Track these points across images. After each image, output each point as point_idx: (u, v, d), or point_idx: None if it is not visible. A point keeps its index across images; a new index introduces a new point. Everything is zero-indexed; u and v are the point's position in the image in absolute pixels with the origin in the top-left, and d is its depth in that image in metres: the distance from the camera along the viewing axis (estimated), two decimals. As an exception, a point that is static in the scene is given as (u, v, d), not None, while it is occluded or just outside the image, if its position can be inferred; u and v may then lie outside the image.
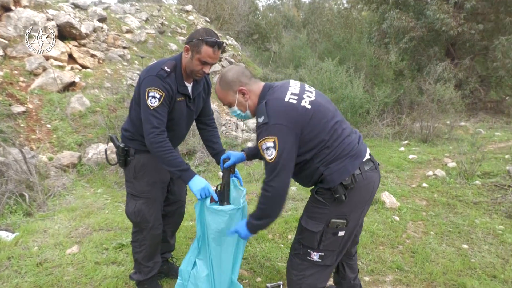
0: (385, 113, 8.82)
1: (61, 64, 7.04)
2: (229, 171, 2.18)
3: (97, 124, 5.96)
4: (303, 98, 1.71)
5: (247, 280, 2.61)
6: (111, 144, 3.21)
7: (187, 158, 5.81)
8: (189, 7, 13.92)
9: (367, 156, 1.82)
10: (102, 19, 9.23)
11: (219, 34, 13.91)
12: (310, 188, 1.91)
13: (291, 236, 3.36)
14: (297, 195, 4.34)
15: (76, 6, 9.03)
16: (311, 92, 1.78)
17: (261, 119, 1.66)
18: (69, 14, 7.78)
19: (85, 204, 4.01)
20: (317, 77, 8.52)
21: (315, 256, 1.80)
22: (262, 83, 1.85)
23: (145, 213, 2.17)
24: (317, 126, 1.67)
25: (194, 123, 2.43)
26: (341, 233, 1.78)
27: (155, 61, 2.13)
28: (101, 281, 2.49)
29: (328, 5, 20.05)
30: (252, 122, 9.08)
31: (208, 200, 2.05)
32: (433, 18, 10.02)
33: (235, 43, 14.47)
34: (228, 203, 2.11)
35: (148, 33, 10.50)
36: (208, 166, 5.59)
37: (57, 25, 7.42)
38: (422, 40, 11.21)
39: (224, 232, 1.98)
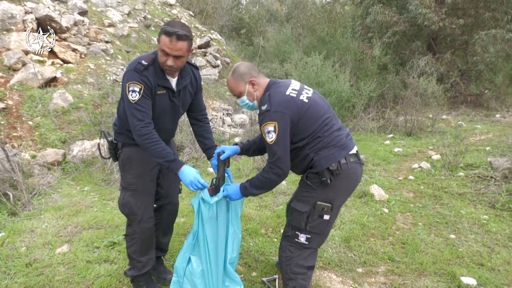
0: (370, 107, 8.94)
1: (41, 59, 6.82)
2: (225, 164, 2.18)
3: (82, 120, 5.82)
4: (302, 94, 1.98)
5: (242, 275, 2.60)
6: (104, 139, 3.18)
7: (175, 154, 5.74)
8: (172, 1, 13.71)
9: (354, 151, 2.03)
10: (83, 12, 8.98)
11: (203, 29, 13.77)
12: (300, 177, 2.11)
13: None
14: (288, 189, 4.36)
15: (55, -2, 8.75)
16: (309, 90, 2.05)
17: (264, 107, 1.91)
18: (48, 7, 7.53)
19: (72, 202, 3.92)
20: (303, 72, 8.54)
21: (302, 238, 2.01)
22: (268, 79, 2.10)
23: (132, 205, 2.15)
24: (311, 118, 1.93)
25: (183, 119, 2.40)
26: (326, 217, 2.00)
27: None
28: (94, 280, 2.45)
29: (311, -1, 20.07)
30: (238, 118, 9.05)
31: (206, 192, 2.05)
32: (415, 13, 10.19)
33: (220, 37, 14.34)
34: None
35: (131, 27, 10.29)
36: (196, 162, 5.55)
37: (36, 18, 7.18)
38: (405, 35, 11.39)
39: (215, 218, 2.10)
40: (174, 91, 2.09)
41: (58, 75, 6.64)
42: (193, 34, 13.66)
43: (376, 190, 4.29)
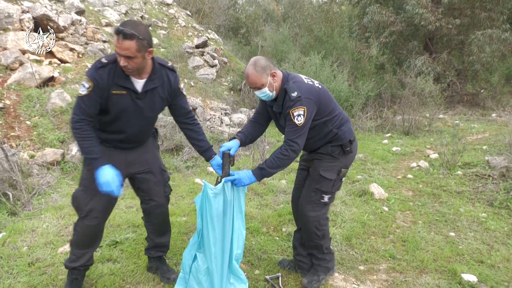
0: (367, 107, 8.98)
1: (38, 58, 6.78)
2: (229, 162, 2.19)
3: (80, 120, 5.78)
4: (313, 83, 2.30)
5: (245, 273, 2.60)
6: None
7: (174, 154, 5.74)
8: (169, 0, 13.67)
9: None
10: (80, 12, 8.93)
11: (200, 28, 13.74)
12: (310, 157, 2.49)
13: (285, 229, 3.39)
14: (288, 188, 4.37)
15: (52, -2, 8.70)
16: (315, 81, 2.35)
17: (294, 94, 2.13)
18: (45, 6, 7.48)
19: (72, 202, 3.90)
20: (302, 71, 8.56)
21: (326, 198, 2.40)
22: (281, 71, 2.31)
23: (80, 200, 2.12)
24: (326, 100, 2.28)
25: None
26: (343, 179, 2.49)
27: None
28: (97, 279, 2.44)
29: (308, -1, 20.09)
30: (236, 117, 9.05)
31: (207, 185, 2.08)
32: (412, 13, 10.25)
33: (217, 37, 14.34)
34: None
35: (128, 26, 10.25)
36: (196, 162, 5.55)
37: (33, 18, 7.13)
38: (402, 35, 11.45)
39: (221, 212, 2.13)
40: (137, 93, 2.03)
41: (56, 74, 6.61)
42: (190, 33, 13.58)
43: (376, 189, 4.31)
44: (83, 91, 1.92)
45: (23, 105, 5.75)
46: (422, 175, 5.10)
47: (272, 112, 2.37)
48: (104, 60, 1.95)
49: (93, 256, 2.30)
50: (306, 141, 2.23)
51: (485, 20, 10.16)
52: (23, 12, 7.05)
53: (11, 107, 5.63)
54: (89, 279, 2.45)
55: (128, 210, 3.70)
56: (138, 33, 1.83)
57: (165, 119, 6.21)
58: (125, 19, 10.57)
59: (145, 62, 1.97)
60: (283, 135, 2.30)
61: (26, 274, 2.47)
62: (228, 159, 2.18)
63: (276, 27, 18.61)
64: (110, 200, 2.16)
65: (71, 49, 7.54)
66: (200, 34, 13.08)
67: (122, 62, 1.87)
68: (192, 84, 9.78)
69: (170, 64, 2.19)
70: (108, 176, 1.94)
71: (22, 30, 6.82)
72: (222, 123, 8.79)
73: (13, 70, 6.21)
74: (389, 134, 8.00)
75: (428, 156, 6.03)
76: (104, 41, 8.73)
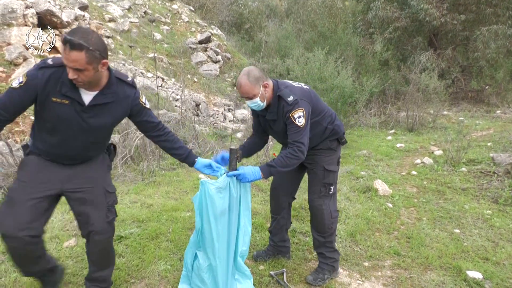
0: (371, 103, 8.95)
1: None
2: (237, 158, 2.21)
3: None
4: (301, 85, 2.43)
5: (250, 269, 2.61)
6: None
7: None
8: (172, -4, 13.64)
9: None
10: (83, 7, 8.93)
11: (203, 24, 13.71)
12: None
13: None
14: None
15: (55, -7, 8.69)
16: (302, 83, 2.48)
17: (290, 98, 2.21)
18: (49, 2, 7.49)
19: (77, 197, 3.91)
20: (305, 67, 8.52)
21: (332, 188, 2.52)
22: (271, 80, 2.37)
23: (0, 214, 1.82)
24: (316, 100, 2.41)
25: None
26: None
27: None
28: (102, 274, 2.45)
29: (311, -6, 19.98)
30: (240, 113, 9.04)
31: (210, 186, 2.07)
32: (417, 8, 10.17)
33: (220, 32, 14.30)
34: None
35: (131, 22, 10.24)
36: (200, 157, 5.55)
37: (37, 13, 7.15)
38: (406, 31, 11.38)
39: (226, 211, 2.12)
40: (83, 105, 1.79)
41: (60, 70, 6.62)
42: (194, 29, 13.53)
43: (380, 185, 4.30)
44: (15, 84, 1.73)
45: (27, 100, 5.76)
46: (426, 171, 5.08)
47: (265, 121, 2.42)
48: (49, 62, 1.75)
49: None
50: None
51: (490, 16, 10.07)
52: (27, 7, 7.05)
53: (16, 102, 5.64)
54: (94, 273, 2.45)
55: (132, 205, 3.71)
56: (88, 43, 1.61)
57: (168, 115, 6.21)
58: (128, 15, 10.50)
59: (99, 75, 1.74)
60: (277, 140, 2.48)
61: (32, 268, 2.47)
62: (235, 155, 2.20)
63: (279, 23, 18.54)
64: (33, 217, 1.83)
65: (75, 45, 7.54)
66: (203, 30, 13.05)
67: (71, 75, 1.65)
68: (196, 80, 9.76)
69: (130, 79, 1.97)
70: None
71: (26, 25, 6.83)
72: (225, 118, 8.80)
73: (17, 65, 6.23)
74: (393, 131, 7.97)
75: (433, 152, 6.01)
76: (108, 37, 8.73)
